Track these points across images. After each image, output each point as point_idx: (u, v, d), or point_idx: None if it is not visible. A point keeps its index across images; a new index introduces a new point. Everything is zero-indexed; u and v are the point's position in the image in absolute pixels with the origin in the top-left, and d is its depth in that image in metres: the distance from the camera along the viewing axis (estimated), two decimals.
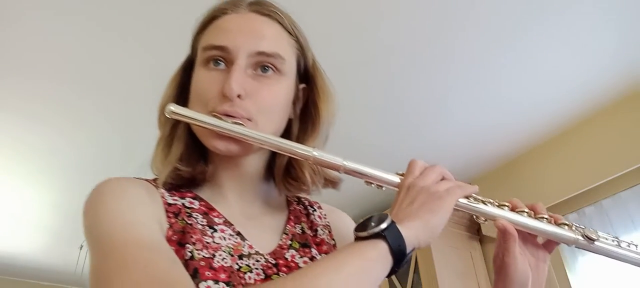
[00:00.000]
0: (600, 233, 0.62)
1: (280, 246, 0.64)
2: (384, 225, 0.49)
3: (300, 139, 0.69)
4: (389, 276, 0.50)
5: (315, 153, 0.60)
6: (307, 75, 0.72)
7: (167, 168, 0.63)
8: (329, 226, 0.74)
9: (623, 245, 0.62)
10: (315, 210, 0.76)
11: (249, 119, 0.61)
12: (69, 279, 3.61)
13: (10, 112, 2.06)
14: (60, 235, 3.05)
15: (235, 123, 0.60)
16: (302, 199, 0.77)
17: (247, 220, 0.65)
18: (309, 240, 0.68)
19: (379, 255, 0.48)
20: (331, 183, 0.71)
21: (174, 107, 0.61)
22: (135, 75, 1.90)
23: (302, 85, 0.71)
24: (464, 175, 2.76)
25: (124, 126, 2.18)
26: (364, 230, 0.51)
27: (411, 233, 0.51)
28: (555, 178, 2.42)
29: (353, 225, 0.76)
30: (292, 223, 0.70)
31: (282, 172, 0.69)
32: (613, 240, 0.62)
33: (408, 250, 0.50)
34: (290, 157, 0.67)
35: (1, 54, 1.77)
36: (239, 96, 0.60)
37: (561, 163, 2.43)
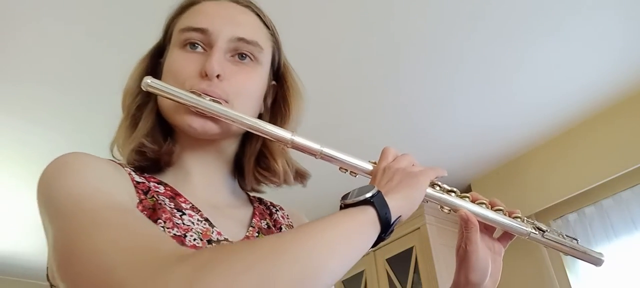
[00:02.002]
0: (549, 228, 0.67)
1: (247, 237, 0.62)
2: (370, 194, 0.49)
3: None
4: (374, 245, 0.50)
5: (294, 137, 0.60)
6: (278, 73, 0.72)
7: (132, 144, 0.60)
8: (291, 226, 0.73)
9: (567, 239, 0.68)
10: (277, 210, 0.75)
11: (225, 101, 0.60)
12: None
13: (12, 115, 2.07)
14: None
15: (214, 101, 0.58)
16: (264, 200, 0.76)
17: (213, 208, 0.62)
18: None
19: (368, 219, 0.48)
20: (300, 177, 0.71)
21: (150, 80, 0.59)
22: None
23: (272, 82, 0.71)
24: (465, 175, 2.76)
25: None
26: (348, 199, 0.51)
27: (394, 204, 0.51)
28: (556, 178, 2.42)
29: None
30: (258, 218, 0.68)
31: (253, 162, 0.68)
32: (559, 235, 0.67)
33: (393, 218, 0.51)
34: (262, 148, 0.68)
35: (4, 58, 1.78)
36: (218, 76, 0.59)
37: (562, 163, 2.42)
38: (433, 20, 1.75)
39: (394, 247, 2.63)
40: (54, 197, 0.47)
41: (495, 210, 0.65)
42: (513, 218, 0.65)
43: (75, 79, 1.91)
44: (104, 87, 1.97)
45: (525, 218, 0.66)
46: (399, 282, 2.58)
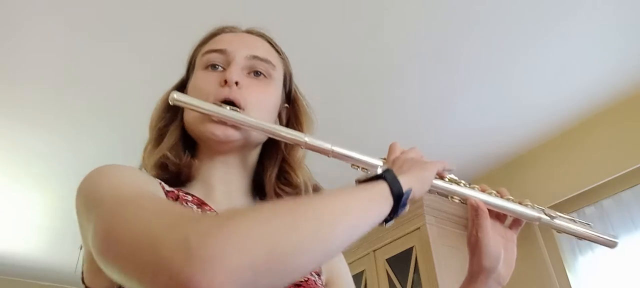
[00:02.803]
0: (558, 214, 0.68)
1: None
2: (381, 170, 0.54)
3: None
4: (388, 221, 0.54)
5: (306, 138, 0.65)
6: (289, 96, 0.79)
7: (155, 156, 0.67)
8: None
9: (578, 222, 0.69)
10: None
11: (244, 108, 0.66)
12: (69, 279, 3.61)
13: (12, 117, 2.06)
14: (61, 236, 3.05)
15: (234, 109, 0.64)
16: None
17: None
18: None
19: (381, 191, 0.53)
20: (315, 191, 0.76)
21: (177, 95, 0.64)
22: (135, 80, 1.90)
23: (285, 105, 0.78)
24: (465, 175, 2.73)
25: (124, 130, 2.18)
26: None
27: (405, 182, 0.55)
28: (556, 178, 2.42)
29: None
30: None
31: (275, 178, 0.73)
32: (569, 218, 0.69)
33: (404, 191, 0.54)
34: (282, 163, 0.74)
35: (3, 60, 1.78)
36: (236, 83, 0.66)
37: (562, 164, 2.43)
38: (432, 20, 1.75)
39: (394, 247, 2.63)
40: (96, 193, 0.52)
41: (505, 199, 0.67)
42: (522, 205, 0.68)
43: (76, 82, 1.91)
44: (105, 91, 1.97)
45: (535, 205, 0.68)
46: (399, 282, 2.58)
